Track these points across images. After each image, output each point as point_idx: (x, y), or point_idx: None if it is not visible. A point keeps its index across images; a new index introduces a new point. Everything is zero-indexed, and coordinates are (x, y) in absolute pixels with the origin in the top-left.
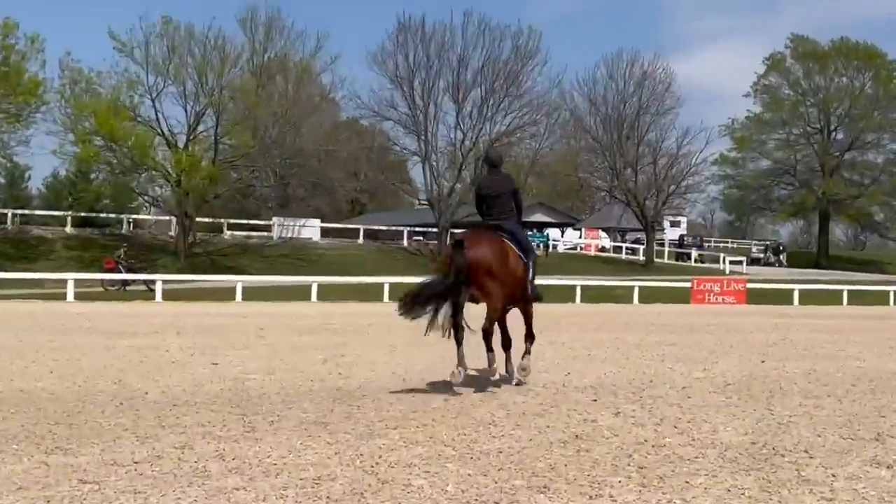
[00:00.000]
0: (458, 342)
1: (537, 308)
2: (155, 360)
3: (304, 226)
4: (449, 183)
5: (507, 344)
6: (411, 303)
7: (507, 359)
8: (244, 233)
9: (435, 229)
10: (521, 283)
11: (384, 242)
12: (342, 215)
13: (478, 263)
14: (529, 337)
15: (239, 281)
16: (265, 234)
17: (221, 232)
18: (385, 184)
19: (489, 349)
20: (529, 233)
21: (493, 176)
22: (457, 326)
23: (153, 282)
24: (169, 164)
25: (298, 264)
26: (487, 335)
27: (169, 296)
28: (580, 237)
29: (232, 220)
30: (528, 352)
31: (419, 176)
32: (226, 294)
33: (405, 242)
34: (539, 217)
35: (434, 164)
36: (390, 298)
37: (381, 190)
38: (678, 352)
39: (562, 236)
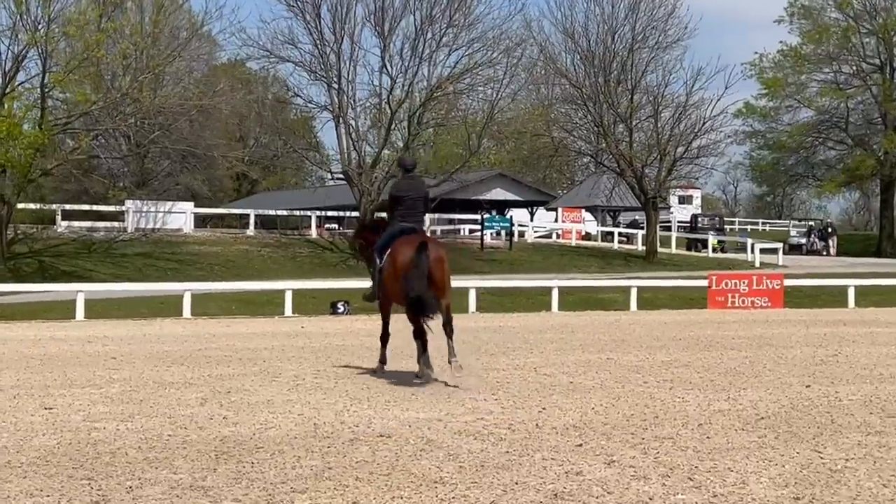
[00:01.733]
0: (424, 345)
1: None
2: None
3: (170, 212)
4: (373, 149)
5: (421, 335)
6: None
7: (423, 350)
8: (86, 223)
9: (355, 213)
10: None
11: (284, 233)
12: (225, 196)
13: (439, 262)
14: (451, 332)
15: (80, 291)
16: (116, 224)
17: (54, 223)
18: (284, 152)
19: (449, 336)
20: (487, 215)
21: (409, 180)
22: (423, 330)
23: None
24: None
25: (164, 266)
26: (449, 326)
27: None
28: (556, 220)
29: (69, 207)
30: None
31: (331, 139)
32: (62, 310)
33: (313, 232)
34: (498, 194)
35: (352, 122)
36: (295, 312)
37: (278, 161)
38: (692, 376)
39: (531, 220)
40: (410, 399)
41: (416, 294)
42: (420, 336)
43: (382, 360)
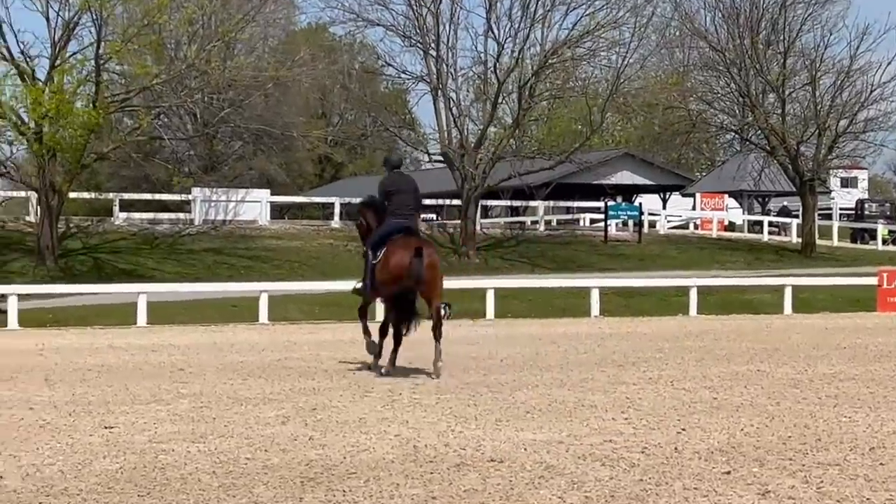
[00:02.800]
0: (398, 342)
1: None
2: (13, 425)
3: (243, 201)
4: (477, 126)
5: (398, 339)
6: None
7: (394, 351)
8: (147, 215)
9: (455, 201)
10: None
11: None
12: (305, 183)
13: (432, 268)
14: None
15: (141, 292)
16: (181, 215)
17: (111, 215)
18: (373, 130)
19: (437, 339)
20: (612, 203)
21: (397, 175)
22: (400, 330)
23: (3, 299)
24: (22, 108)
25: (237, 263)
26: (438, 330)
27: (30, 320)
28: (693, 208)
29: (127, 196)
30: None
31: (428, 116)
32: (121, 314)
33: None
34: (625, 177)
35: (452, 95)
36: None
37: (366, 141)
38: (861, 391)
39: (663, 207)
40: (525, 418)
41: (409, 310)
42: (395, 338)
43: (374, 354)
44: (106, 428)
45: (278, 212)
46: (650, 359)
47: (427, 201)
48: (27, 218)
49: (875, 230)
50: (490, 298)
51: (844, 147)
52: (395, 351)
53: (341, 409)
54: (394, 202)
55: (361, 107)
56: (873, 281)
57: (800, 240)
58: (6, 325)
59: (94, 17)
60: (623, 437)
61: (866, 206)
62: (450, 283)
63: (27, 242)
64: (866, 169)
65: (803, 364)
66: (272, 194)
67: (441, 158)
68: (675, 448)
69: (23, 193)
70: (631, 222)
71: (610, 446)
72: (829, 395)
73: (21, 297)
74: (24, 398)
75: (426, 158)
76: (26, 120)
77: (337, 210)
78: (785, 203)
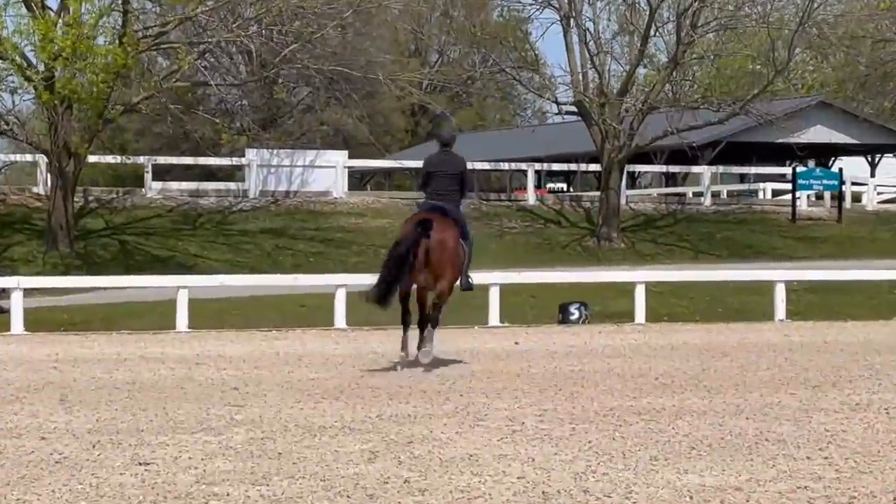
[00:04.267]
0: (406, 325)
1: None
2: (21, 460)
3: (312, 166)
4: (622, 66)
5: (424, 323)
6: (385, 291)
7: (422, 339)
8: (188, 185)
9: (594, 166)
10: (458, 271)
11: (485, 198)
12: (394, 142)
13: (441, 245)
14: (434, 321)
15: (182, 286)
16: (232, 185)
17: (141, 185)
18: (484, 73)
19: (422, 330)
20: (802, 169)
21: (443, 154)
22: (406, 310)
23: (4, 294)
24: (28, 45)
25: (304, 249)
26: (427, 320)
27: (40, 322)
28: None
29: (162, 160)
30: (431, 337)
31: (557, 54)
32: (156, 314)
33: (530, 195)
34: (820, 134)
35: (590, 26)
36: (504, 319)
37: (474, 87)
38: None
39: (872, 175)
40: (690, 455)
41: (382, 283)
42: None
43: (402, 348)
44: (140, 464)
45: (358, 180)
46: (856, 378)
47: (555, 166)
48: (34, 189)
49: None
50: (640, 296)
51: None
52: (418, 331)
53: (446, 442)
54: (433, 184)
55: (468, 42)
56: None
57: None
58: (9, 329)
59: None
60: (822, 482)
61: None
62: (585, 276)
63: (34, 221)
64: None
65: None
66: (350, 157)
67: (574, 109)
68: (895, 497)
69: (29, 157)
70: (828, 194)
71: (805, 495)
72: None
73: (27, 292)
74: (35, 425)
75: (554, 110)
76: (34, 61)
77: None
78: None
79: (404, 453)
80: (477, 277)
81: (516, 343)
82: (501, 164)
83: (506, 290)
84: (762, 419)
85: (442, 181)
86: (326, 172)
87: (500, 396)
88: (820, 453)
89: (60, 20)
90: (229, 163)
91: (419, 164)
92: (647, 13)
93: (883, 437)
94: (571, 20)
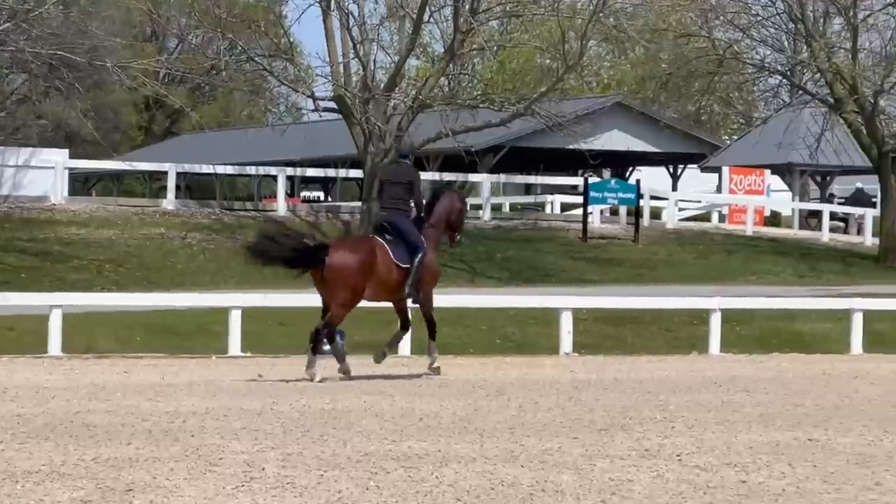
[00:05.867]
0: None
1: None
2: None
3: (28, 166)
4: (391, 56)
5: (404, 325)
6: (261, 252)
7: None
8: None
9: (355, 172)
10: (391, 288)
11: (228, 207)
12: (125, 141)
13: (332, 269)
14: (403, 328)
15: None
16: None
17: None
18: (231, 62)
19: (314, 350)
20: (595, 179)
21: (396, 165)
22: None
23: None
24: None
25: (16, 263)
26: (318, 334)
27: None
28: (719, 189)
29: None
30: (432, 349)
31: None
32: None
33: (281, 205)
34: (616, 140)
35: (353, 9)
36: (247, 348)
37: (219, 77)
38: None
39: (673, 188)
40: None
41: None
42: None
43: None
44: None
45: (81, 184)
46: (648, 420)
47: (311, 171)
48: None
49: None
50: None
51: None
52: (314, 354)
53: (172, 490)
54: (384, 194)
55: (212, 25)
56: None
57: (877, 241)
58: None
59: None
60: None
61: None
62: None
63: None
64: None
65: (878, 431)
66: (72, 157)
67: (334, 105)
68: None
69: None
70: (624, 209)
71: None
72: None
73: None
74: None
75: (311, 105)
76: None
77: (172, 182)
78: (859, 185)
79: (122, 503)
80: (215, 299)
81: (260, 376)
82: (248, 167)
83: (249, 313)
84: (539, 467)
85: (390, 191)
86: (43, 174)
87: (237, 437)
88: None
89: None
90: None
91: (153, 166)
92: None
93: (673, 486)
94: (332, 2)
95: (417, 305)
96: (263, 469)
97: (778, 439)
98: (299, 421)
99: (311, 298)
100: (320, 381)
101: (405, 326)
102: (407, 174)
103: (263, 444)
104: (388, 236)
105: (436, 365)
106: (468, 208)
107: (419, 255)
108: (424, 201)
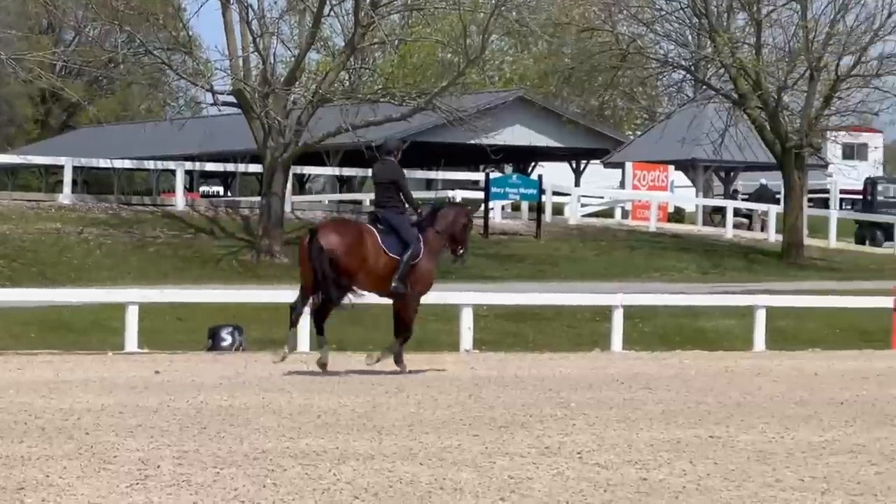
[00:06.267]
0: (294, 322)
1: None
2: None
3: None
4: (290, 50)
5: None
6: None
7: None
8: None
9: (256, 167)
10: (378, 276)
11: (126, 202)
12: (20, 135)
13: (321, 252)
14: (398, 332)
15: None
16: None
17: None
18: (128, 54)
19: (319, 331)
20: (496, 175)
21: (381, 164)
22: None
23: None
24: None
25: None
26: (293, 310)
27: None
28: (622, 185)
29: None
30: (394, 349)
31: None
32: None
33: (179, 200)
34: (518, 135)
35: (253, 3)
36: (145, 344)
37: (116, 71)
38: (865, 473)
39: (576, 183)
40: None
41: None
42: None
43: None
44: None
45: None
46: (549, 418)
47: (210, 166)
48: None
49: (892, 225)
50: (303, 320)
51: (849, 98)
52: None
53: (64, 489)
54: (377, 194)
55: (110, 17)
56: (887, 303)
57: (780, 238)
58: None
59: None
60: None
61: (880, 188)
62: (241, 296)
63: None
64: (881, 132)
65: (779, 427)
66: None
67: (233, 100)
68: None
69: None
70: (526, 205)
71: None
72: (817, 475)
73: None
74: None
75: (210, 99)
76: None
77: (68, 177)
78: (763, 181)
79: (13, 503)
80: (112, 294)
81: (157, 372)
82: (147, 162)
83: (146, 309)
84: (438, 464)
85: (379, 190)
86: None
87: (133, 435)
88: (501, 503)
89: None
90: None
91: (49, 159)
92: None
93: (573, 484)
94: None
95: (396, 301)
96: (159, 467)
97: (679, 437)
98: (196, 418)
99: (208, 294)
100: (321, 367)
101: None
102: (390, 172)
103: (159, 441)
104: (380, 226)
105: (379, 361)
106: (473, 225)
107: (410, 250)
108: (431, 208)
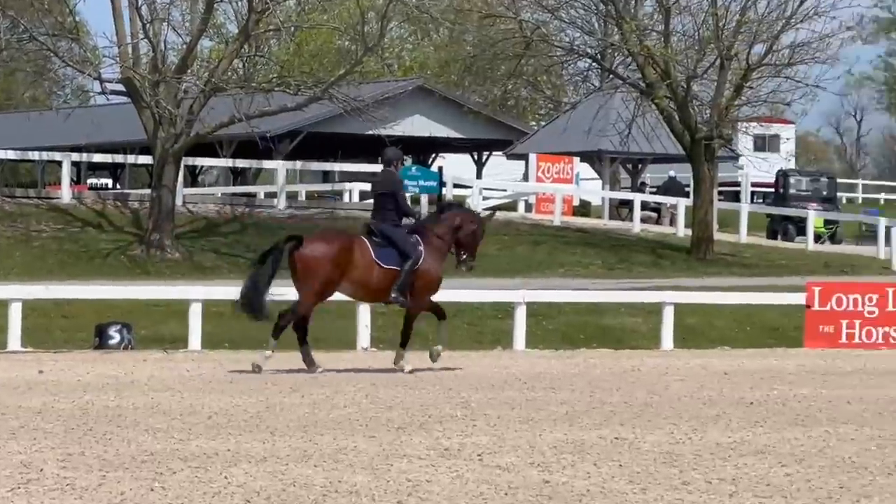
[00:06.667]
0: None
1: None
2: None
3: None
4: (182, 37)
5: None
6: (252, 301)
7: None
8: None
9: (145, 159)
10: (372, 287)
11: (9, 194)
12: None
13: (300, 259)
14: (405, 332)
15: None
16: None
17: None
18: (11, 41)
19: (301, 342)
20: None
21: (382, 173)
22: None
23: None
24: None
25: None
26: (294, 325)
27: None
28: (526, 177)
29: None
30: (443, 334)
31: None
32: None
33: (65, 193)
34: (417, 125)
35: None
36: (29, 343)
37: (2, 58)
38: (775, 475)
39: (478, 176)
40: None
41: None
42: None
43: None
44: None
45: None
46: (448, 418)
47: (98, 157)
48: None
49: (804, 219)
50: (195, 317)
51: (760, 88)
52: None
53: None
54: (375, 204)
55: None
56: (799, 299)
57: (689, 232)
58: None
59: None
60: None
61: (792, 180)
62: (130, 292)
63: None
64: (792, 123)
65: (686, 428)
66: None
67: (122, 88)
68: None
69: None
70: (425, 198)
71: None
72: (724, 477)
73: None
74: None
75: (98, 88)
76: None
77: None
78: (671, 173)
79: None
80: None
81: (40, 372)
82: (31, 152)
83: (30, 306)
84: (333, 467)
85: (378, 201)
86: None
87: (15, 437)
88: None
89: None
90: None
91: None
92: None
93: (473, 487)
94: None
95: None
96: (42, 470)
97: (583, 438)
98: (81, 419)
99: (95, 290)
100: (321, 372)
101: (441, 317)
102: (389, 184)
103: (42, 443)
104: (375, 238)
105: (403, 364)
106: (483, 233)
107: (409, 262)
108: (434, 209)
